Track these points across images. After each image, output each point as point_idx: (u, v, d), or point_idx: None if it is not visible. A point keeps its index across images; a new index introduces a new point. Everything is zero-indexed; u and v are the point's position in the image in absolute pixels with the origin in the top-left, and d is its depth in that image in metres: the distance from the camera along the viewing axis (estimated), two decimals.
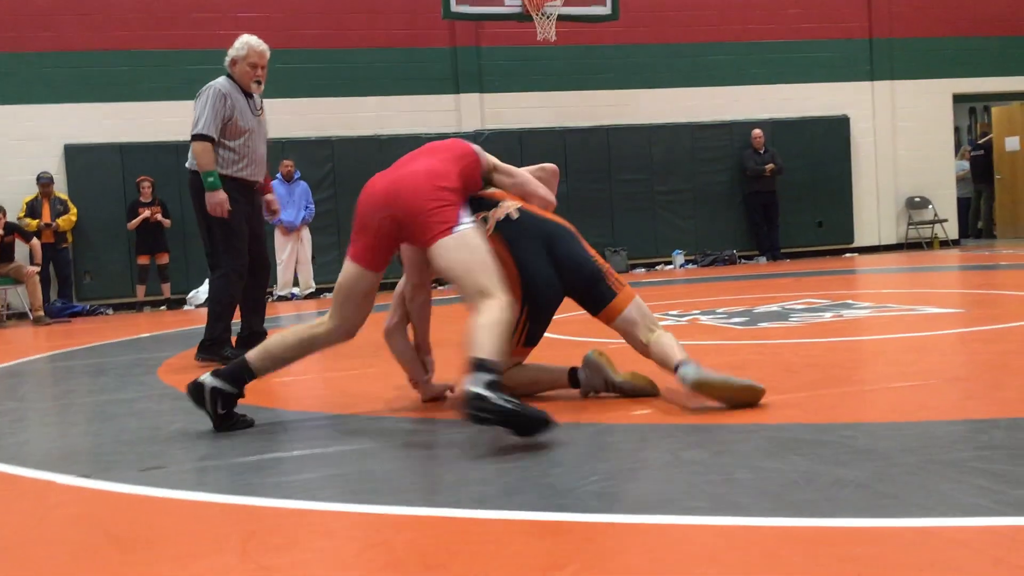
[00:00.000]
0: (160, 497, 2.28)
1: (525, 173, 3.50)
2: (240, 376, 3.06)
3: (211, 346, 4.97)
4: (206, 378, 3.00)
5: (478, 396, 2.51)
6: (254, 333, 5.18)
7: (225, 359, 4.81)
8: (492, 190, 3.41)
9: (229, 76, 5.10)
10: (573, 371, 3.27)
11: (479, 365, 2.61)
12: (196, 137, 4.94)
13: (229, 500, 2.20)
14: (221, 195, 4.89)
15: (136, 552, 1.86)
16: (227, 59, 5.11)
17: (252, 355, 3.12)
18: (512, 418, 2.50)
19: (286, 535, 1.90)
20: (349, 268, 3.14)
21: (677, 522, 1.82)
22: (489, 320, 2.76)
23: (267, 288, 5.32)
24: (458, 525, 1.91)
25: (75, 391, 4.39)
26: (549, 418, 2.54)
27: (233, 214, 4.98)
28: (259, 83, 5.16)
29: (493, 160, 3.42)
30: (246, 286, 5.17)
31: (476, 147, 3.34)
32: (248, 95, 5.13)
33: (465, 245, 2.95)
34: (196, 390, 3.00)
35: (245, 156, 5.06)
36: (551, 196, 3.52)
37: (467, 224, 3.01)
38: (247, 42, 5.11)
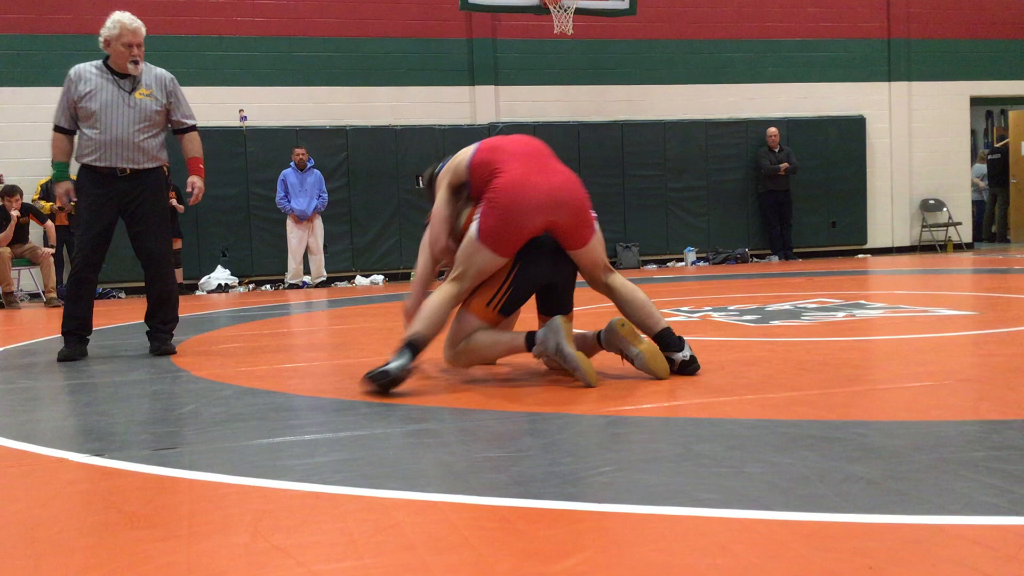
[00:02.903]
0: (173, 477, 2.30)
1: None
2: (423, 345, 3.38)
3: (63, 339, 4.97)
4: (395, 364, 3.26)
5: (693, 359, 3.48)
6: (153, 329, 5.08)
7: (63, 358, 4.80)
8: None
9: (107, 58, 4.94)
10: (531, 334, 3.45)
11: (671, 333, 3.51)
12: (53, 127, 4.95)
13: (241, 481, 2.21)
14: (60, 187, 4.96)
15: (149, 530, 1.88)
16: (100, 40, 4.91)
17: (418, 327, 3.39)
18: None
19: (297, 517, 1.91)
20: (486, 253, 3.46)
21: (688, 513, 1.83)
22: (638, 292, 3.59)
23: (165, 281, 5.11)
24: (469, 511, 1.92)
25: (88, 372, 4.41)
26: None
27: (84, 205, 4.91)
28: (136, 63, 4.90)
29: None
30: (145, 281, 5.11)
31: None
32: (123, 75, 4.92)
33: (599, 238, 3.64)
34: (392, 381, 3.24)
35: (94, 139, 4.85)
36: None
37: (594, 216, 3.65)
38: (118, 20, 4.88)
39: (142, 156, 4.95)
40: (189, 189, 5.23)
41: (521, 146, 3.66)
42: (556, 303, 3.67)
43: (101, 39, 4.91)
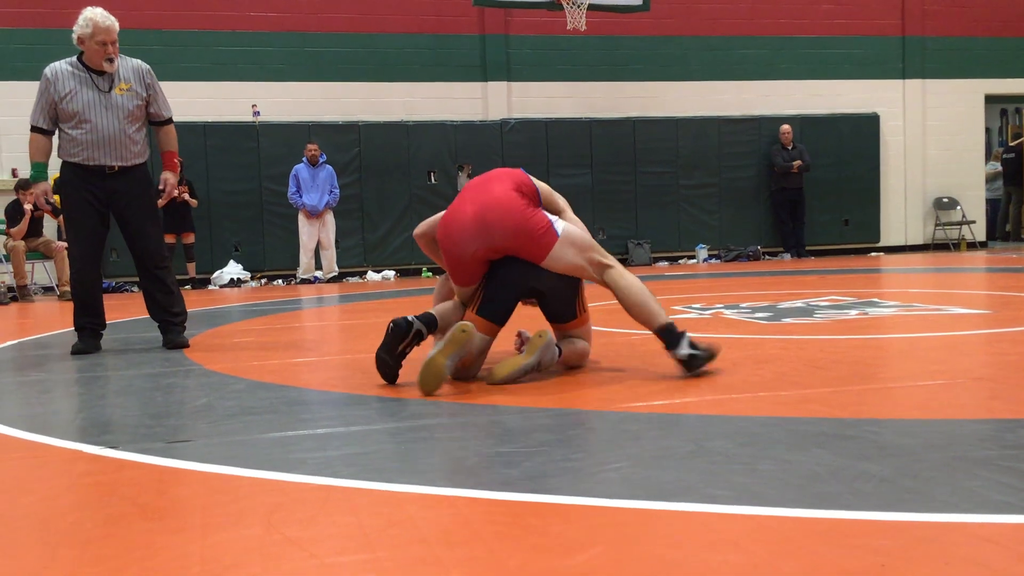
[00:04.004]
0: (187, 469, 2.31)
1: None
2: (433, 323, 3.46)
3: (77, 333, 4.98)
4: (417, 322, 3.40)
5: (692, 357, 3.31)
6: (163, 322, 5.08)
7: (76, 351, 4.81)
8: None
9: (81, 55, 4.87)
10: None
11: (670, 330, 3.35)
12: (31, 128, 4.88)
13: (254, 474, 2.22)
14: (38, 187, 4.92)
15: (163, 521, 1.89)
16: (73, 37, 4.83)
17: (437, 311, 3.53)
18: (709, 359, 3.34)
19: (311, 510, 1.92)
20: (458, 288, 3.58)
21: (699, 510, 1.82)
22: (635, 288, 3.43)
23: (161, 277, 5.06)
24: (482, 506, 1.92)
25: (101, 365, 4.44)
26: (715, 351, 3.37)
27: (72, 204, 4.88)
28: (111, 60, 4.82)
29: (559, 201, 3.75)
30: (140, 278, 5.11)
31: (536, 181, 3.69)
32: (99, 72, 4.85)
33: (570, 240, 3.43)
34: (406, 324, 3.36)
35: (80, 140, 4.80)
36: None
37: (556, 220, 3.47)
38: (91, 19, 4.78)
39: (129, 153, 4.93)
40: (161, 186, 5.16)
41: (477, 179, 3.68)
42: (552, 311, 3.61)
43: (74, 36, 4.83)
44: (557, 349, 3.47)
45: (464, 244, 3.44)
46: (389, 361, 3.39)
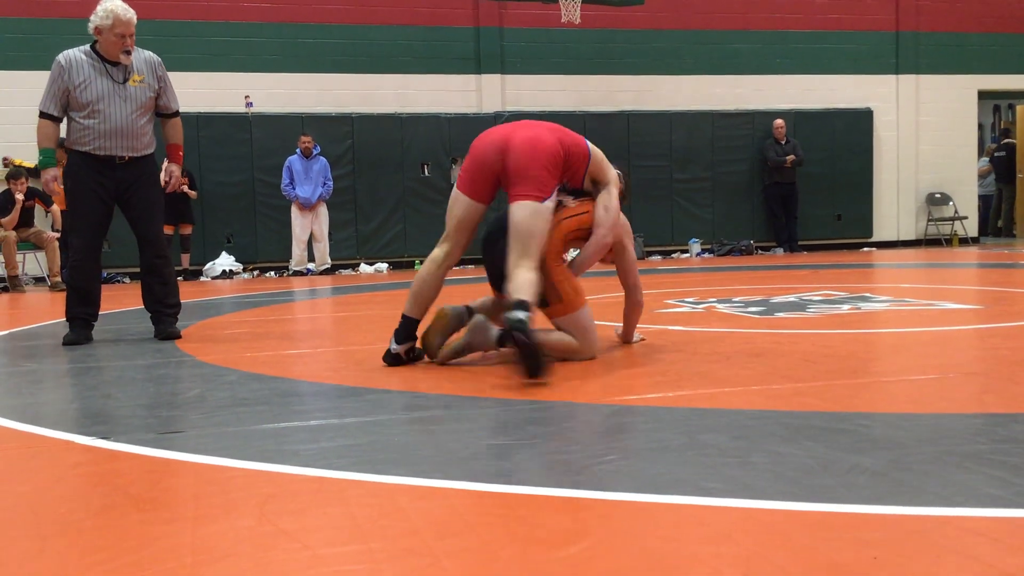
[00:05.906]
0: (179, 460, 2.30)
1: (610, 215, 3.79)
2: (411, 331, 3.70)
3: (68, 323, 4.98)
4: (393, 346, 3.70)
5: (520, 320, 3.15)
6: (156, 313, 5.06)
7: (68, 342, 4.81)
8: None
9: (94, 44, 4.87)
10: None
11: (520, 304, 3.25)
12: (40, 114, 4.87)
13: (246, 465, 2.21)
14: (48, 174, 4.89)
15: (155, 512, 1.88)
16: (91, 26, 4.83)
17: (408, 308, 3.74)
18: (527, 349, 3.09)
19: (303, 501, 1.92)
20: (460, 199, 3.72)
21: (692, 502, 1.83)
22: (526, 277, 3.40)
23: (159, 267, 5.04)
24: (474, 497, 1.92)
25: (93, 355, 4.42)
26: (544, 370, 3.14)
27: (78, 193, 4.87)
28: (128, 52, 4.84)
29: (611, 175, 3.84)
30: (141, 267, 5.07)
31: (593, 149, 3.82)
32: (113, 63, 4.86)
33: (536, 215, 3.50)
34: (393, 358, 3.70)
35: (93, 129, 4.81)
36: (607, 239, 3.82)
37: (548, 202, 3.55)
38: (111, 10, 4.79)
39: (139, 144, 4.94)
40: (167, 178, 5.16)
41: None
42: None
43: (91, 26, 4.82)
44: (493, 331, 3.60)
45: (488, 150, 3.64)
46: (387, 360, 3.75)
